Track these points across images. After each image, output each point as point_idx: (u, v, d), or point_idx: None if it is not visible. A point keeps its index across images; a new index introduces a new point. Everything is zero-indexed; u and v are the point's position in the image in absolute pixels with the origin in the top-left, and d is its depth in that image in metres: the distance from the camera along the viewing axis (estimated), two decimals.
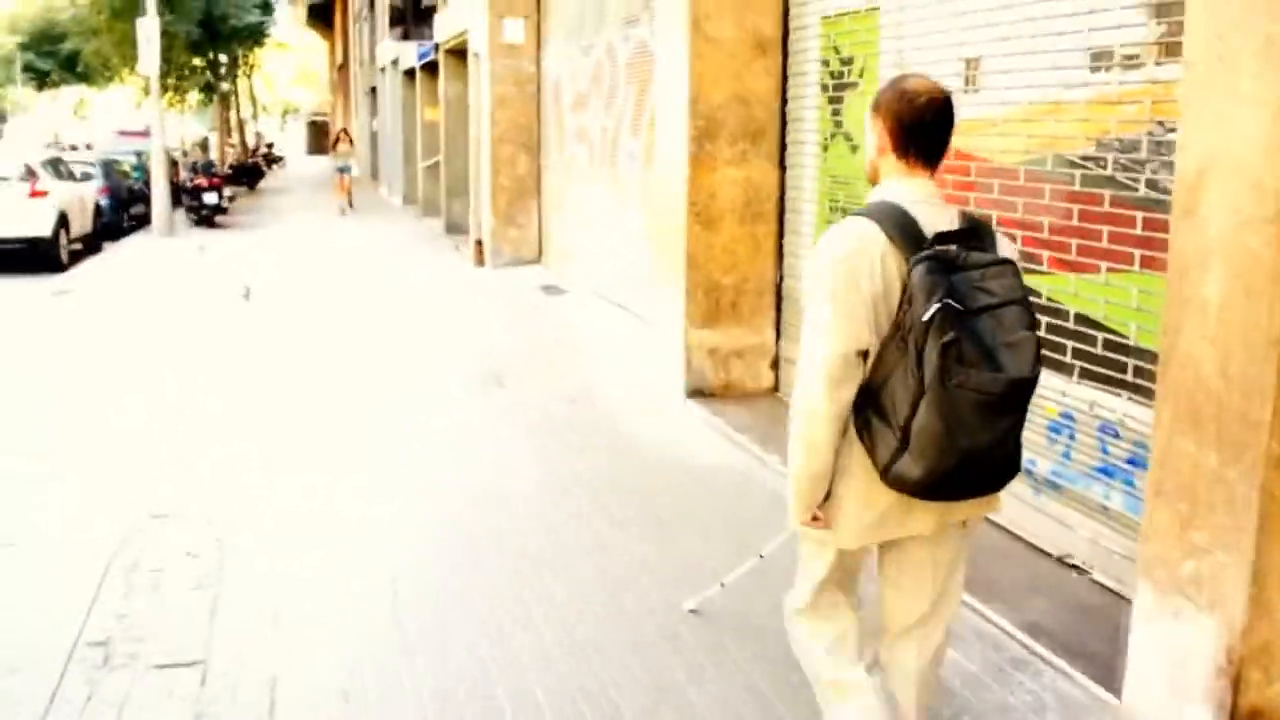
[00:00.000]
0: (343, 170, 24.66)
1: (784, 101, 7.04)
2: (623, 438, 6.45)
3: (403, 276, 13.61)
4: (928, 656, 2.78)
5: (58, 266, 15.34)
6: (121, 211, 20.66)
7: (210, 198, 20.80)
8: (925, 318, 2.24)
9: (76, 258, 16.36)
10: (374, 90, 32.44)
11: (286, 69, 79.37)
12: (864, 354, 2.40)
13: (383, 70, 28.32)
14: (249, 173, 33.38)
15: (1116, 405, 4.24)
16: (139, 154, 24.22)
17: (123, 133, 31.13)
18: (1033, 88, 4.68)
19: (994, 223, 4.89)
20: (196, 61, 31.37)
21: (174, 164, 24.71)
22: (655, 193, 7.86)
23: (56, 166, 16.94)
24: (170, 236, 19.44)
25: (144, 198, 21.27)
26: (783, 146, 7.07)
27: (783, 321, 7.20)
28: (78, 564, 4.50)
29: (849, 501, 2.51)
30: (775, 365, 7.26)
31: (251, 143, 44.73)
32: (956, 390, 2.23)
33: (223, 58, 34.33)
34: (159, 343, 9.41)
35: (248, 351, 9.02)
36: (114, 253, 17.11)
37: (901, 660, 2.78)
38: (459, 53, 17.03)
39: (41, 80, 62.02)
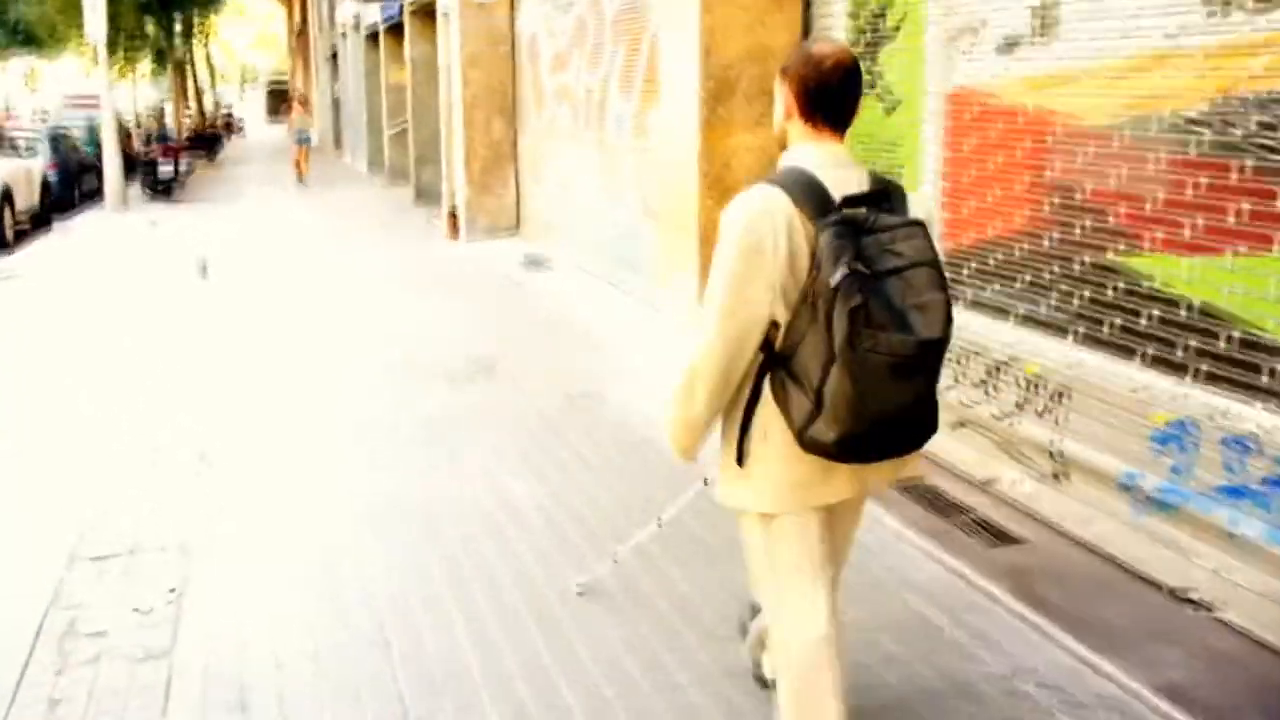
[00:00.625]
0: (301, 141, 22.60)
1: None
2: (636, 444, 5.71)
3: (372, 251, 12.75)
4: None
5: (2, 246, 14.41)
6: (72, 186, 19.61)
7: (166, 169, 19.75)
8: (833, 283, 2.22)
9: (23, 237, 15.41)
10: (335, 55, 31.28)
11: (244, 35, 77.53)
12: (774, 322, 2.37)
13: (343, 34, 27.20)
14: (207, 141, 32.20)
15: (1249, 415, 3.55)
16: (90, 124, 23.06)
17: (73, 101, 29.74)
18: (1129, 37, 3.95)
19: (1081, 193, 4.21)
20: (149, 28, 30.04)
21: (127, 134, 23.64)
22: (658, 161, 7.09)
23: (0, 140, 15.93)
24: (124, 211, 18.42)
25: (96, 170, 20.20)
26: None
27: None
28: (1, 626, 3.75)
29: (770, 465, 2.48)
30: None
31: (210, 110, 43.34)
32: (867, 354, 2.22)
33: (177, 25, 33.01)
34: (109, 331, 8.59)
35: (205, 341, 8.21)
36: (63, 231, 16.10)
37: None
38: (426, 12, 16.08)
39: None
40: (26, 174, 16.24)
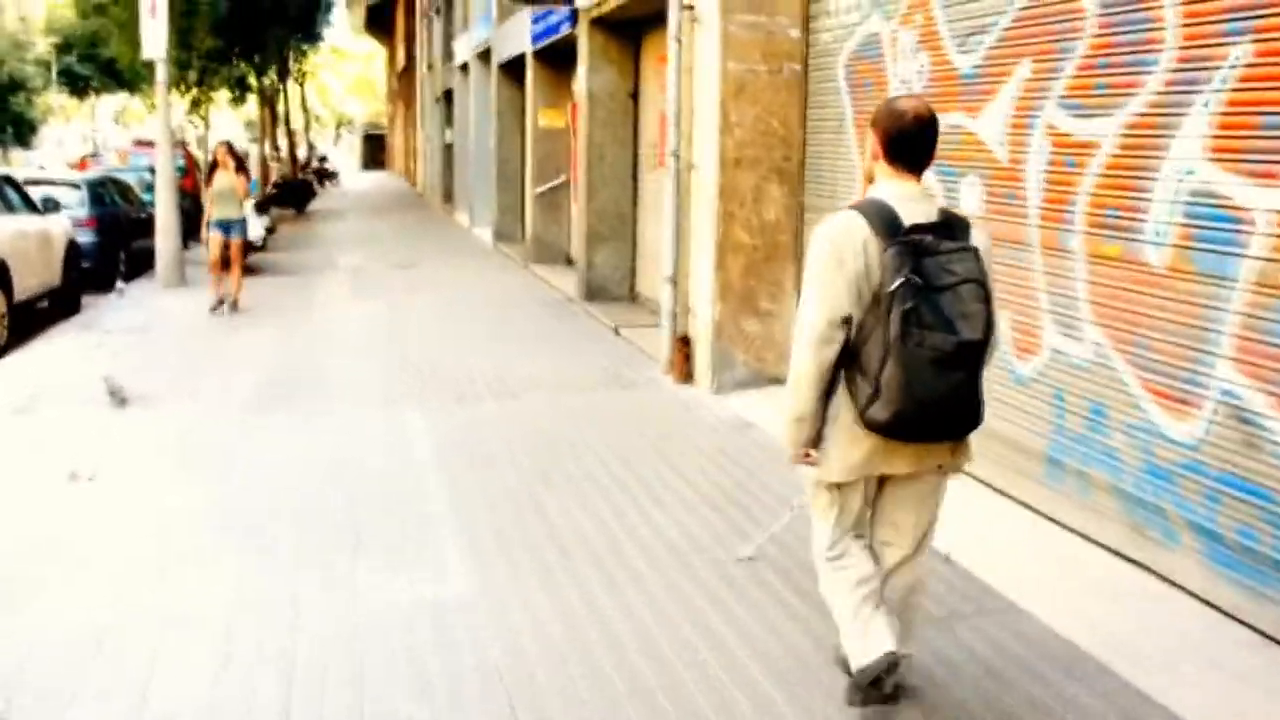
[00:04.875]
0: (225, 228, 11.73)
1: None
2: None
3: (531, 396, 7.62)
4: (899, 589, 3.30)
5: None
6: (117, 249, 14.82)
7: None
8: (890, 289, 2.85)
9: (34, 325, 10.68)
10: (448, 95, 26.68)
11: (341, 79, 74.84)
12: (849, 322, 2.97)
13: (463, 67, 22.48)
14: (297, 192, 27.69)
15: None
16: (153, 171, 18.41)
17: (139, 142, 25.19)
18: None
19: None
20: (234, 59, 25.61)
21: (190, 180, 19.04)
22: None
23: (3, 192, 11.16)
24: (180, 288, 13.66)
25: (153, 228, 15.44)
26: None
27: None
28: None
29: (838, 443, 3.09)
30: None
31: (302, 156, 39.17)
32: (915, 349, 2.82)
33: (271, 59, 28.73)
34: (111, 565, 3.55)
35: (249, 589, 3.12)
36: (86, 322, 11.27)
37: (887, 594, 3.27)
38: (614, 23, 11.09)
39: (81, 86, 57.28)
40: (41, 239, 11.46)
